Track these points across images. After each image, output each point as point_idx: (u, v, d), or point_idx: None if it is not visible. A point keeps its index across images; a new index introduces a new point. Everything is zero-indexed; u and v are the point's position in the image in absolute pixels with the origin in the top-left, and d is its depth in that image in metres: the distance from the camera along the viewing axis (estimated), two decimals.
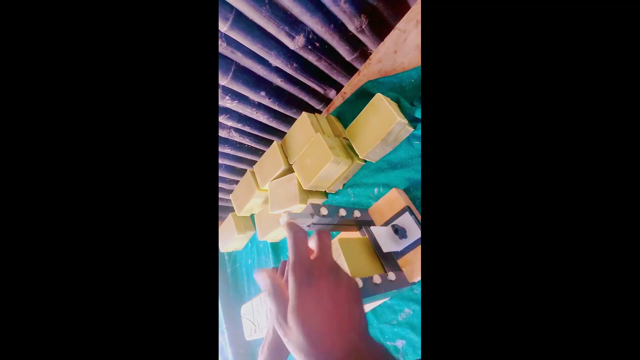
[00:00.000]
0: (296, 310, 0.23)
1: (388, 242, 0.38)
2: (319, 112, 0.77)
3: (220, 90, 0.63)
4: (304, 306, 0.23)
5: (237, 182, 0.90)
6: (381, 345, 0.24)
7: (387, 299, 0.44)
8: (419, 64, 0.51)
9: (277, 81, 0.67)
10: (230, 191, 0.92)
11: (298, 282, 0.24)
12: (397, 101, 0.49)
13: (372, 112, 0.48)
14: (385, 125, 0.45)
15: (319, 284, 0.24)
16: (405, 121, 0.46)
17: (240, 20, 0.53)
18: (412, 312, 0.43)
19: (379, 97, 0.47)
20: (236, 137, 0.76)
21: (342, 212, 0.38)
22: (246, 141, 0.79)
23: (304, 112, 0.55)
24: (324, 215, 0.35)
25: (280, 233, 0.65)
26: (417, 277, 0.38)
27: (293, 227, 0.26)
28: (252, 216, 0.75)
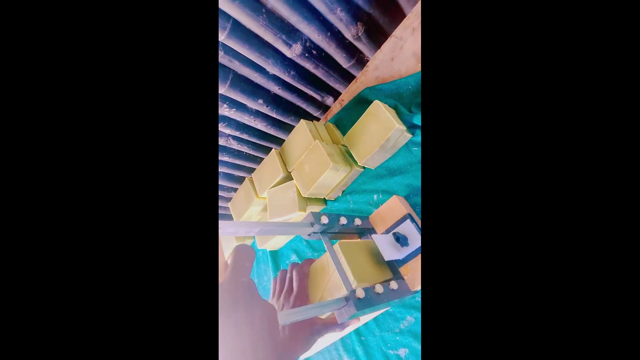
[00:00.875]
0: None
1: (390, 250, 0.38)
2: (317, 119, 0.77)
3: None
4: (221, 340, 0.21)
5: (235, 189, 0.89)
6: None
7: (389, 307, 0.44)
8: (416, 70, 0.51)
9: (275, 89, 0.67)
10: (228, 199, 0.92)
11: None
12: (395, 108, 0.49)
13: (370, 118, 0.48)
14: (384, 132, 0.45)
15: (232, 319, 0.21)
16: (403, 128, 0.46)
17: (238, 29, 0.54)
18: (414, 320, 0.43)
19: (377, 104, 0.47)
20: (234, 145, 0.76)
21: (343, 221, 0.37)
22: (244, 149, 0.78)
23: (302, 120, 0.55)
24: (324, 224, 0.35)
25: (279, 241, 0.64)
26: (420, 285, 0.37)
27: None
28: None
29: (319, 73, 0.67)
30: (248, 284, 0.22)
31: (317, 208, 0.57)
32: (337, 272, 0.32)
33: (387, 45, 0.55)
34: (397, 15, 0.63)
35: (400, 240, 0.39)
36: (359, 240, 0.41)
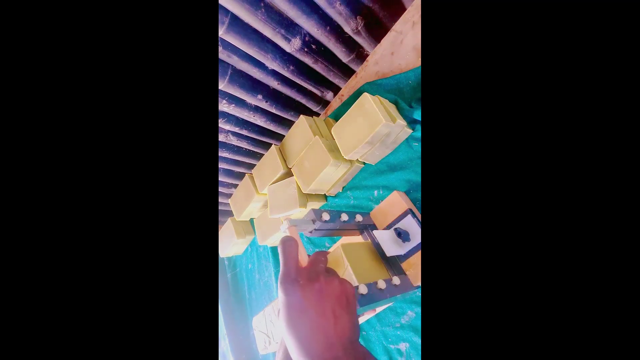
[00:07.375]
0: (285, 320, 0.24)
1: (391, 246, 0.38)
2: (317, 114, 0.77)
3: None
4: (291, 316, 0.24)
5: (235, 186, 0.89)
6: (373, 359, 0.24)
7: (392, 303, 0.44)
8: (416, 65, 0.50)
9: (274, 84, 0.67)
10: (229, 195, 0.92)
11: (284, 293, 0.25)
12: (396, 103, 0.49)
13: (358, 111, 0.45)
14: (370, 127, 0.43)
15: (304, 294, 0.24)
16: (391, 124, 0.44)
17: (236, 24, 0.53)
18: (415, 314, 0.43)
19: (365, 96, 0.44)
20: (234, 141, 0.76)
21: (344, 217, 0.37)
22: (244, 145, 0.78)
23: (302, 116, 0.55)
24: (325, 221, 0.35)
25: (280, 237, 0.64)
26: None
27: (283, 240, 0.27)
28: (251, 220, 0.75)
29: (318, 68, 0.67)
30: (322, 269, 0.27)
31: (317, 204, 0.57)
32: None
33: (387, 40, 0.54)
34: (397, 9, 0.62)
35: (402, 235, 0.39)
36: (360, 241, 0.41)
